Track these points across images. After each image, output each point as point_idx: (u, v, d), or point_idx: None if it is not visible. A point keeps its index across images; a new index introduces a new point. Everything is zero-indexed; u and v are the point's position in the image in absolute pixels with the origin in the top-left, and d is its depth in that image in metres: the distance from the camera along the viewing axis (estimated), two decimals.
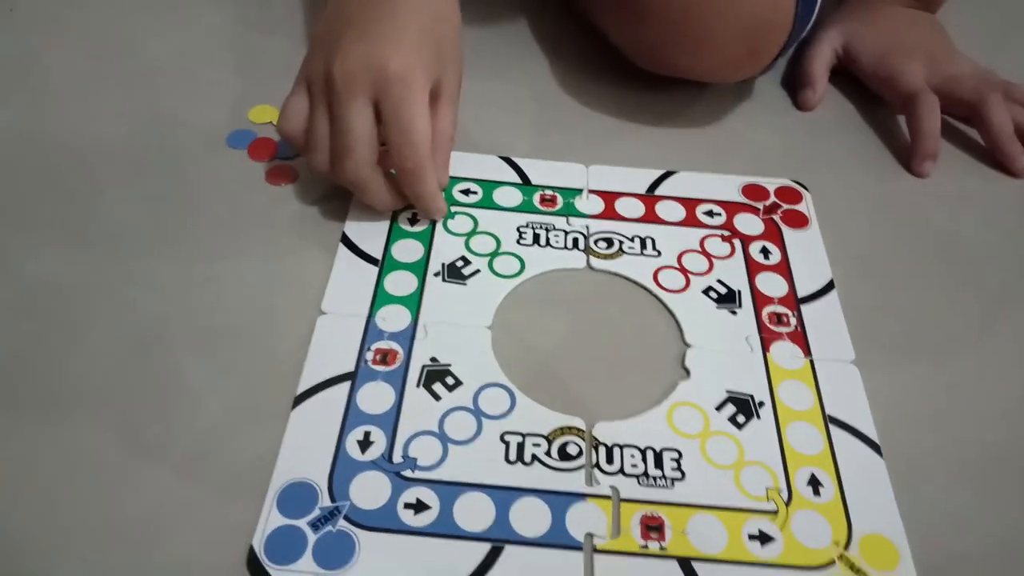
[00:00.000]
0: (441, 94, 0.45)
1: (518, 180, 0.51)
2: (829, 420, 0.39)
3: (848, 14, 0.61)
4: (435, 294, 0.44)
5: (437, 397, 0.39)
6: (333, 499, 0.35)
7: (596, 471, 0.37)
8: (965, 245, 0.49)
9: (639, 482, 0.36)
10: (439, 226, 0.47)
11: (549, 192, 0.50)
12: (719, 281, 0.45)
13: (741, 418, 0.39)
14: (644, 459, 0.37)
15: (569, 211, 0.49)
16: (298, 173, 0.50)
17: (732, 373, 0.41)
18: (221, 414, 0.38)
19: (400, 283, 0.44)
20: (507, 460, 0.37)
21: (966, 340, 0.44)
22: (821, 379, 0.41)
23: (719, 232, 0.48)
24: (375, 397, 0.39)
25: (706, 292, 0.45)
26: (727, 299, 0.45)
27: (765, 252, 0.47)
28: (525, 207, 0.49)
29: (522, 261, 0.46)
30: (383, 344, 0.41)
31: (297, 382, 0.39)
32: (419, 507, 0.35)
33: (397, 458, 0.37)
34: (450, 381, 0.40)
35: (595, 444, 0.38)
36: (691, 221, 0.49)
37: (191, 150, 0.51)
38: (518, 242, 0.47)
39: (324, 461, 0.36)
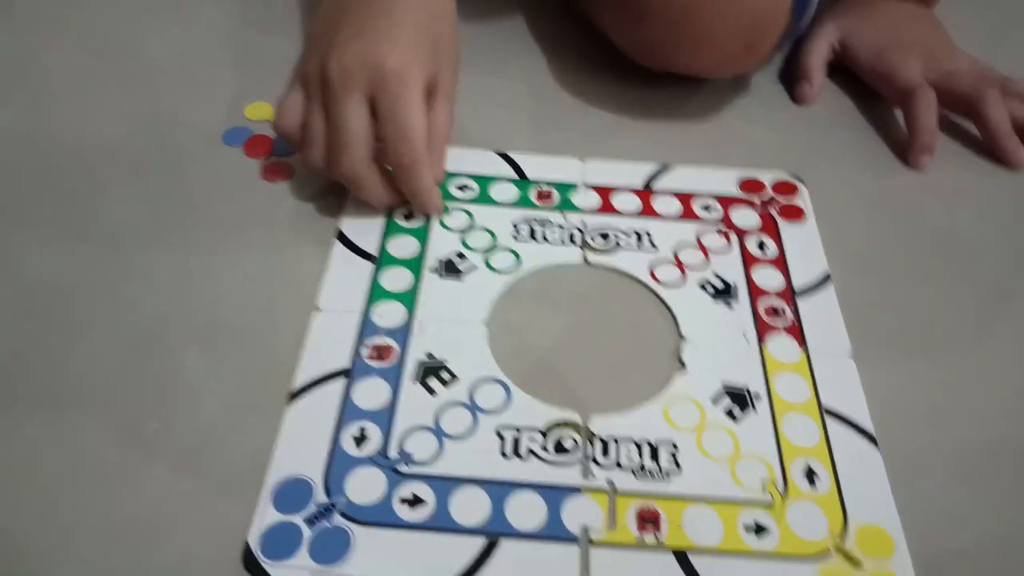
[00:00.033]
0: (437, 90, 0.45)
1: (514, 175, 0.51)
2: (825, 412, 0.39)
3: (846, 9, 0.61)
4: (431, 290, 0.44)
5: (433, 392, 0.39)
6: (329, 495, 0.35)
7: (592, 464, 0.37)
8: (962, 239, 0.49)
9: (635, 475, 0.36)
10: (435, 222, 0.47)
11: (545, 187, 0.50)
12: (715, 275, 0.45)
13: (737, 411, 0.39)
14: (640, 452, 0.37)
15: (565, 206, 0.49)
16: (294, 170, 0.50)
17: (728, 366, 0.41)
18: (218, 411, 0.38)
19: (396, 279, 0.44)
20: (503, 454, 0.37)
21: (962, 334, 0.44)
22: (817, 372, 0.41)
23: (715, 226, 0.48)
24: (371, 393, 0.39)
25: (702, 286, 0.45)
26: (723, 293, 0.45)
27: (761, 246, 0.47)
28: (521, 202, 0.49)
29: (518, 256, 0.46)
30: (379, 340, 0.41)
31: (293, 378, 0.39)
32: (415, 502, 0.35)
33: (393, 453, 0.37)
34: (446, 376, 0.40)
35: (591, 437, 0.38)
36: (687, 215, 0.49)
37: (190, 149, 0.51)
38: (514, 237, 0.47)
39: (320, 457, 0.36)
